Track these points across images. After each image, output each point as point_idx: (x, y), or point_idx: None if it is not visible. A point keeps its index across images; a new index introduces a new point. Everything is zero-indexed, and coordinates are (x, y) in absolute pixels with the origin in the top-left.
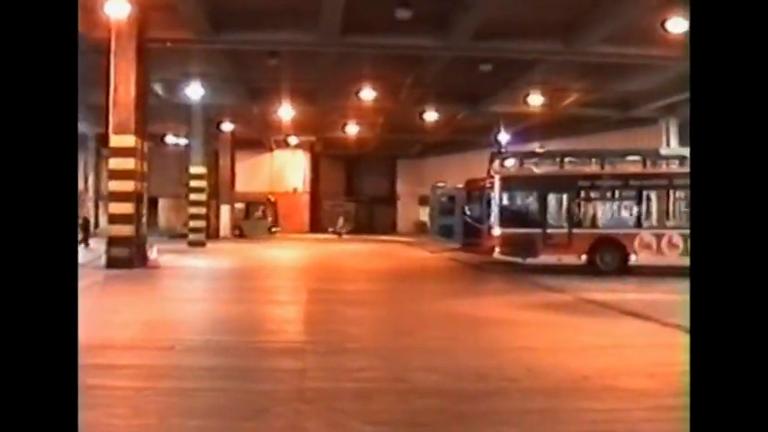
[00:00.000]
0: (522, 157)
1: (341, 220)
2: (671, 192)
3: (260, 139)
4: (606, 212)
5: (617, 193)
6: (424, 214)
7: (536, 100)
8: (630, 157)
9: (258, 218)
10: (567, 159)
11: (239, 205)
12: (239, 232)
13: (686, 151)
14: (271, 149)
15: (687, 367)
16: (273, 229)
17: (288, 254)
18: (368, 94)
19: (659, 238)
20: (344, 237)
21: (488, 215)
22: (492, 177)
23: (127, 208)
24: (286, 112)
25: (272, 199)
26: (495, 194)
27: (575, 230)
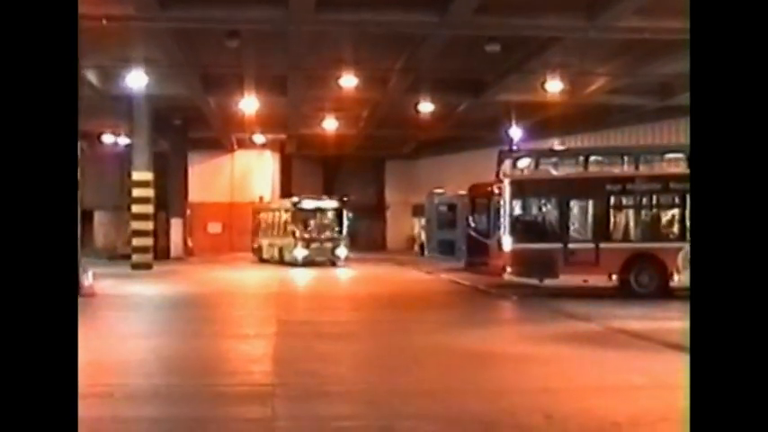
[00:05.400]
0: (538, 156)
1: None
2: None
3: (218, 137)
4: (642, 223)
5: (655, 198)
6: (418, 227)
7: (554, 87)
8: (671, 155)
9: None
10: (592, 158)
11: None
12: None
13: None
14: (232, 150)
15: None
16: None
17: (253, 276)
18: (349, 81)
19: None
20: None
21: (497, 228)
22: (501, 181)
23: None
24: (250, 104)
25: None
26: (506, 202)
27: (603, 245)
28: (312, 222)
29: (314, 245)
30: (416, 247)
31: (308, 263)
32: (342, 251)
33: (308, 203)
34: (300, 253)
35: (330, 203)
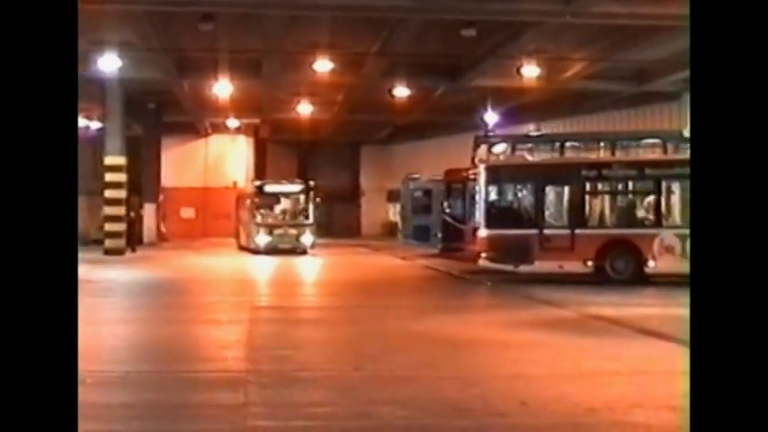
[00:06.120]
0: (514, 141)
1: None
2: None
3: (192, 122)
4: (618, 209)
5: (631, 184)
6: (393, 213)
7: (531, 72)
8: (647, 141)
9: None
10: (568, 144)
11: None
12: None
13: None
14: (205, 135)
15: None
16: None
17: (226, 263)
18: (324, 65)
19: (684, 239)
20: None
21: (472, 213)
22: (477, 167)
23: None
24: (224, 88)
25: None
26: (481, 188)
27: (579, 231)
28: (277, 207)
29: (277, 231)
30: (399, 234)
31: (270, 250)
32: (308, 238)
33: (272, 187)
34: (263, 240)
35: (295, 187)
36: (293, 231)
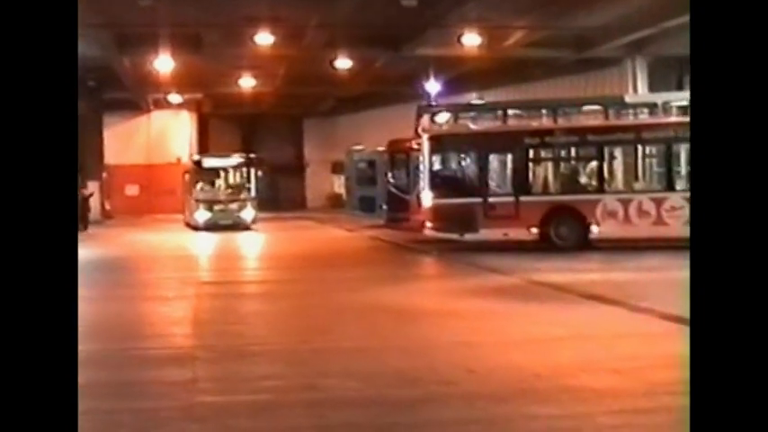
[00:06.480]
0: (457, 110)
1: None
2: (640, 147)
3: (133, 98)
4: (561, 176)
5: (573, 151)
6: (339, 185)
7: (472, 40)
8: (589, 107)
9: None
10: (511, 112)
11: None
12: None
13: (658, 98)
14: (147, 111)
15: (679, 361)
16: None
17: (172, 240)
18: (265, 38)
19: (626, 204)
20: None
21: (417, 183)
22: (420, 137)
23: None
24: (165, 63)
25: None
26: (425, 158)
27: (523, 198)
28: (216, 182)
29: (217, 207)
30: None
31: (210, 226)
32: (249, 213)
33: (211, 161)
34: (202, 216)
35: (235, 161)
36: (234, 206)
